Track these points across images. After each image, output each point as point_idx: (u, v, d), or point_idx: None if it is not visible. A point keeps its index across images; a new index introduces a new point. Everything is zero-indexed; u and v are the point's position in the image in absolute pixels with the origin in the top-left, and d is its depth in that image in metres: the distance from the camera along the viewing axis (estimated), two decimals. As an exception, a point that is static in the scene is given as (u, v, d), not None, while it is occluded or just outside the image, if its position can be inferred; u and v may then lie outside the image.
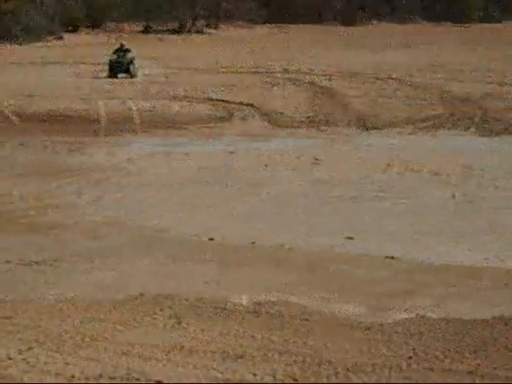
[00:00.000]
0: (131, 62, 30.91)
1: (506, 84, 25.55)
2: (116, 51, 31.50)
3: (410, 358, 7.23)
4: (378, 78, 27.39)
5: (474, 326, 8.10)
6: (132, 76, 30.35)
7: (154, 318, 8.14)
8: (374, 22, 50.28)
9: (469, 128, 20.17)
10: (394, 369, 6.98)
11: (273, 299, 8.79)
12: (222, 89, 25.08)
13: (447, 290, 9.25)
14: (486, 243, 10.95)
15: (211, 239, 11.12)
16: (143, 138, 19.34)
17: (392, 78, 27.35)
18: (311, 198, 13.47)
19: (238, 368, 6.96)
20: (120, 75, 30.59)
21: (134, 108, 22.04)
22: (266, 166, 15.91)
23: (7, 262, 10.11)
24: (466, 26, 48.84)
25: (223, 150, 17.43)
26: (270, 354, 7.26)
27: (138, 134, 19.78)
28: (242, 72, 28.79)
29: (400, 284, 9.46)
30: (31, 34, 38.91)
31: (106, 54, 32.69)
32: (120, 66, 30.81)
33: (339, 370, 6.94)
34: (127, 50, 31.15)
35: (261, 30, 45.99)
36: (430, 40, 40.63)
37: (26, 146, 17.95)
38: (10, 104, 22.15)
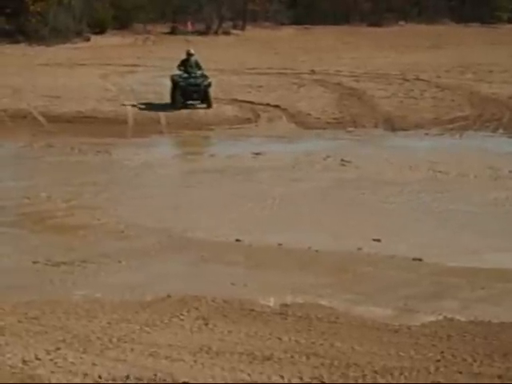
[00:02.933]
0: (209, 84, 22.22)
1: (534, 85, 25.35)
2: (183, 64, 22.42)
3: (438, 361, 7.19)
4: (406, 79, 27.24)
5: (503, 329, 8.04)
6: (209, 105, 22.08)
7: (181, 320, 8.15)
8: (402, 23, 50.03)
9: (497, 129, 20.01)
10: (422, 372, 6.94)
11: (300, 301, 8.77)
12: (249, 90, 25.06)
13: (475, 292, 9.19)
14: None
15: (238, 240, 11.11)
16: (169, 139, 19.36)
17: (419, 79, 27.19)
18: (338, 200, 13.42)
19: (265, 370, 6.95)
20: (192, 103, 22.22)
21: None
22: (292, 167, 15.87)
23: (35, 262, 10.16)
24: (494, 26, 48.51)
25: (249, 151, 17.41)
26: (296, 357, 7.24)
27: (164, 135, 19.81)
28: (268, 73, 28.75)
29: (427, 286, 9.41)
30: (58, 35, 39.08)
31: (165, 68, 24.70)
32: (196, 91, 22.10)
33: (367, 372, 6.91)
34: (198, 64, 22.58)
35: (287, 31, 45.94)
36: (458, 41, 40.40)
37: (53, 147, 18.02)
38: (37, 105, 22.26)
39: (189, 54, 22.77)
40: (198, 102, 22.26)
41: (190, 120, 21.08)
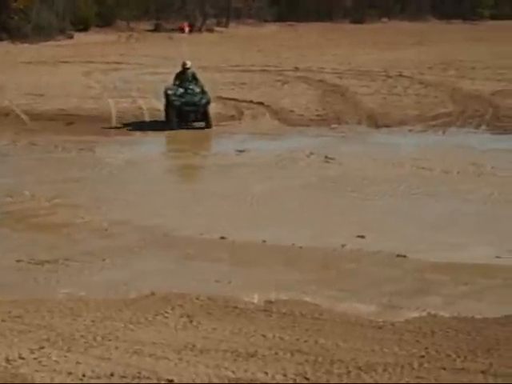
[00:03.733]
0: (208, 101, 19.83)
1: (517, 81, 25.47)
2: (179, 77, 20.01)
3: (422, 356, 7.21)
4: (389, 76, 27.31)
5: (486, 324, 8.07)
6: (208, 125, 19.65)
7: (166, 317, 8.14)
8: (384, 20, 50.16)
9: (480, 126, 20.09)
10: (406, 368, 6.96)
11: (284, 298, 8.78)
12: (232, 87, 25.07)
13: (459, 288, 9.22)
14: (498, 241, 10.90)
15: (222, 238, 11.11)
16: (153, 137, 19.33)
17: (402, 76, 27.28)
18: (322, 196, 13.44)
19: (250, 367, 6.95)
20: (189, 124, 19.73)
21: (145, 107, 22.04)
22: (276, 164, 15.88)
23: (18, 261, 10.13)
24: (476, 23, 48.71)
25: (232, 148, 17.41)
26: (281, 353, 7.25)
27: (148, 133, 19.77)
28: (252, 70, 28.77)
29: (411, 283, 9.44)
30: (41, 32, 38.96)
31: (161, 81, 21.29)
32: (194, 111, 19.54)
33: (351, 369, 6.92)
34: (195, 77, 20.17)
35: (271, 28, 45.95)
36: (441, 38, 40.52)
37: (36, 145, 17.96)
38: (20, 103, 22.19)
39: (184, 67, 20.12)
40: (199, 123, 19.68)
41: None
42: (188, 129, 19.47)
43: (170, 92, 19.66)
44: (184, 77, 19.95)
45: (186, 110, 19.41)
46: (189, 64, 20.25)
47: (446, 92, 24.03)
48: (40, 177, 14.77)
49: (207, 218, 12.20)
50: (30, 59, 31.87)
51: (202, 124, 19.65)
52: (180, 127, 19.39)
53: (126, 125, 20.04)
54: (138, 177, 15.02)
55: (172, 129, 19.31)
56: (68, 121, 20.66)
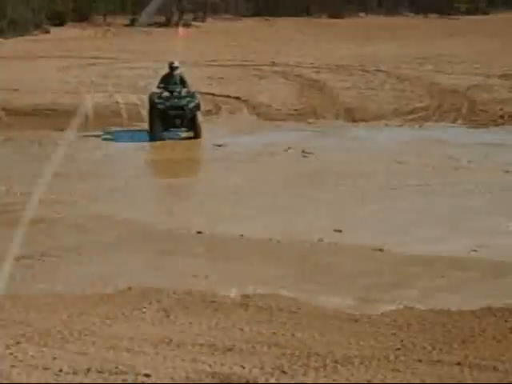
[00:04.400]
0: (198, 106, 17.83)
1: (492, 76, 25.58)
2: (165, 80, 18.10)
3: (398, 349, 7.25)
4: (366, 71, 27.36)
5: (461, 317, 8.13)
6: (197, 134, 17.61)
7: (143, 312, 8.14)
8: (362, 14, 50.25)
9: (456, 120, 20.18)
10: (382, 360, 7.00)
11: (261, 292, 8.80)
12: (210, 82, 25.02)
13: (435, 281, 9.27)
14: (474, 234, 10.97)
15: (199, 232, 11.10)
16: (130, 132, 19.25)
17: (379, 71, 27.33)
18: (299, 191, 13.46)
19: (227, 361, 6.97)
20: (175, 131, 17.87)
21: (122, 102, 21.96)
22: (253, 158, 15.88)
23: (-6, 256, 10.06)
24: (453, 18, 48.88)
25: (210, 142, 17.39)
26: (258, 347, 7.26)
27: (124, 128, 19.69)
28: (229, 65, 28.74)
29: (388, 276, 9.48)
30: (17, 27, 38.74)
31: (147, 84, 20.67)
32: (180, 116, 17.55)
33: (328, 362, 6.95)
34: (183, 80, 18.17)
35: (248, 23, 45.92)
36: (418, 32, 40.63)
37: (12, 140, 17.86)
38: (-4, 98, 22.05)
39: (172, 67, 18.15)
40: (183, 129, 17.72)
41: (150, 112, 20.92)
42: (173, 139, 17.66)
43: (154, 95, 17.89)
44: (171, 79, 18.00)
45: (171, 115, 17.40)
46: (176, 64, 18.16)
47: (423, 86, 24.12)
48: (16, 172, 14.68)
49: (184, 212, 12.19)
50: (6, 54, 31.66)
51: (190, 133, 17.65)
52: (163, 138, 17.55)
53: (105, 133, 18.49)
54: (114, 172, 14.97)
55: (154, 139, 17.43)
56: (44, 116, 20.55)
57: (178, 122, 17.54)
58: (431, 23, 46.41)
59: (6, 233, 11.18)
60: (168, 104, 17.57)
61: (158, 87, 17.99)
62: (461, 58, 29.99)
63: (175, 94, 17.75)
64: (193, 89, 18.19)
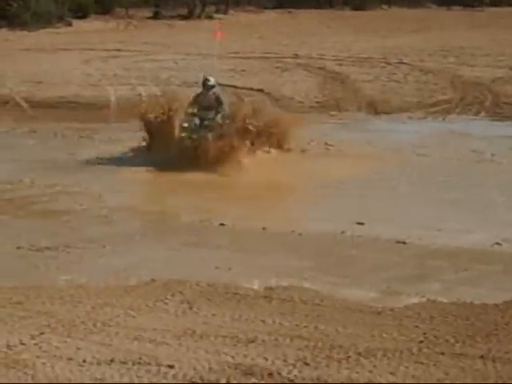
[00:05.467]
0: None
1: (517, 68, 25.43)
2: (197, 101, 14.54)
3: (421, 342, 7.25)
4: (389, 63, 27.25)
5: (485, 310, 8.11)
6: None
7: (166, 303, 8.17)
8: (385, 6, 50.01)
9: (479, 112, 20.08)
10: (405, 353, 7.00)
11: (284, 284, 8.81)
12: (232, 74, 25.01)
13: (458, 274, 9.25)
14: (498, 228, 10.92)
15: (222, 224, 11.12)
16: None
17: (402, 63, 27.21)
18: (320, 183, 13.44)
19: (249, 352, 6.99)
20: None
21: (144, 94, 22.00)
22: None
23: (19, 248, 10.14)
24: (476, 10, 48.57)
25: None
26: (280, 339, 7.28)
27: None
28: (251, 57, 28.71)
29: (411, 269, 9.46)
30: (40, 20, 38.83)
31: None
32: None
33: (350, 354, 6.96)
34: (219, 101, 14.45)
35: (270, 15, 45.83)
36: (441, 24, 40.40)
37: (36, 132, 17.95)
38: (20, 90, 22.15)
39: (206, 86, 14.48)
40: None
41: (173, 105, 20.98)
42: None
43: (183, 126, 14.23)
44: (203, 101, 14.39)
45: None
46: (212, 82, 14.56)
47: (446, 79, 24.00)
48: (40, 164, 14.75)
49: (205, 204, 12.21)
50: (29, 47, 31.79)
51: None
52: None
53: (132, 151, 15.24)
54: (137, 164, 14.97)
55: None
56: (68, 108, 20.65)
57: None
58: (455, 15, 46.14)
59: (31, 224, 11.28)
60: (195, 136, 13.95)
61: (188, 113, 14.36)
62: (484, 50, 29.81)
63: (206, 122, 14.16)
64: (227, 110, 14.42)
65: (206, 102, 14.36)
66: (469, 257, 9.80)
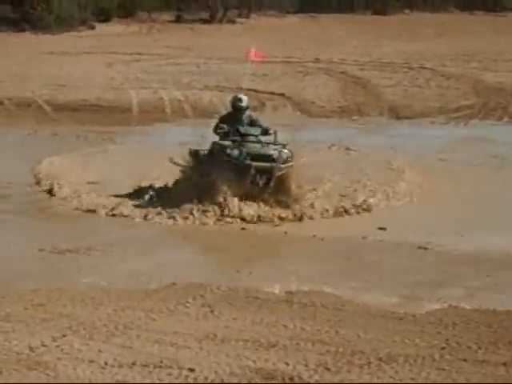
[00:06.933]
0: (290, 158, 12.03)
1: (540, 74, 25.29)
2: (227, 120, 12.43)
3: (443, 348, 7.20)
4: (411, 68, 27.20)
5: (507, 316, 8.05)
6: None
7: (187, 307, 8.17)
8: (407, 11, 49.90)
9: (502, 118, 20.00)
10: (427, 359, 6.95)
11: (305, 289, 8.79)
12: (254, 78, 25.00)
13: (481, 280, 9.19)
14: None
15: (243, 229, 11.11)
16: (174, 128, 19.37)
17: (424, 68, 27.16)
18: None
19: (271, 357, 6.97)
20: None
21: (166, 97, 22.08)
22: (302, 156, 15.84)
23: (40, 250, 10.19)
24: (499, 15, 48.36)
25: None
26: (302, 344, 7.26)
27: (169, 123, 19.81)
28: (273, 62, 28.72)
29: (433, 274, 9.42)
30: (63, 23, 39.08)
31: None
32: (268, 171, 11.71)
33: (372, 360, 6.92)
34: (256, 123, 12.42)
35: (292, 20, 45.84)
36: (464, 29, 40.28)
37: (58, 135, 18.03)
38: (42, 93, 22.28)
39: (237, 108, 12.45)
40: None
41: (194, 108, 21.09)
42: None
43: (218, 143, 12.24)
44: (236, 118, 12.39)
45: (258, 170, 11.67)
46: (245, 102, 12.50)
47: (469, 84, 23.91)
48: (62, 166, 14.80)
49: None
50: (52, 50, 31.98)
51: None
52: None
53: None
54: (160, 167, 14.97)
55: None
56: (90, 111, 20.74)
57: (261, 182, 11.71)
58: (477, 20, 45.98)
59: (52, 227, 11.33)
60: (252, 152, 11.83)
61: (217, 130, 12.33)
62: (507, 55, 29.68)
63: (251, 138, 12.10)
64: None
65: (239, 122, 12.32)
66: (491, 263, 9.74)
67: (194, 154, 12.65)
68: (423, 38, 36.57)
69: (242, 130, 12.19)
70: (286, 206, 11.64)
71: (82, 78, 24.75)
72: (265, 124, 12.45)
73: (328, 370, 6.74)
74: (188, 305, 8.22)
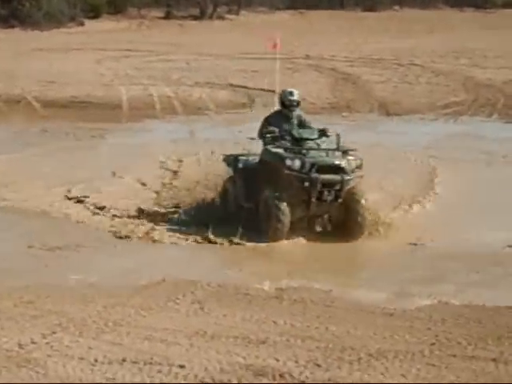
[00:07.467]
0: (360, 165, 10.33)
1: (529, 70, 25.35)
2: (274, 122, 10.73)
3: (433, 344, 7.21)
4: (400, 65, 27.22)
5: (497, 313, 8.07)
6: (361, 229, 10.19)
7: (177, 303, 8.17)
8: (396, 7, 49.90)
9: (492, 114, 20.04)
10: (417, 355, 6.96)
11: (295, 285, 8.79)
12: (244, 75, 25.02)
13: (470, 276, 9.22)
14: (507, 230, 10.89)
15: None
16: (164, 124, 19.33)
17: (414, 64, 27.18)
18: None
19: (261, 353, 6.97)
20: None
21: (155, 94, 22.04)
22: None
23: (30, 247, 10.16)
24: (488, 11, 48.40)
25: (244, 135, 17.37)
26: (292, 340, 7.26)
27: (158, 120, 19.78)
28: (263, 58, 28.68)
29: (423, 271, 9.43)
30: (52, 20, 38.91)
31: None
32: (337, 184, 10.03)
33: (361, 356, 6.93)
34: (307, 124, 10.82)
35: (282, 16, 45.79)
36: (453, 26, 40.31)
37: (48, 132, 17.98)
38: (32, 90, 22.21)
39: (288, 101, 10.81)
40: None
41: (184, 105, 21.05)
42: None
43: (269, 151, 10.43)
44: (286, 119, 10.75)
45: (324, 183, 10.00)
46: (296, 95, 10.88)
47: (458, 81, 23.95)
48: (51, 164, 14.75)
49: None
50: (42, 46, 31.85)
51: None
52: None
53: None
54: (149, 164, 14.93)
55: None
56: (80, 108, 20.68)
57: (329, 196, 10.07)
58: (466, 17, 46.02)
59: (42, 224, 11.30)
60: (315, 160, 10.08)
61: (263, 133, 10.63)
62: (497, 52, 29.72)
63: (308, 143, 10.34)
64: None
65: (290, 122, 10.68)
66: (480, 259, 9.77)
67: (233, 162, 10.91)
68: (413, 35, 36.58)
69: (296, 133, 10.38)
70: (358, 228, 10.04)
71: (72, 74, 24.67)
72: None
73: (318, 366, 6.74)
74: (178, 301, 8.22)
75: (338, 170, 10.04)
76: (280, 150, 10.27)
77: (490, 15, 47.00)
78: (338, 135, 10.35)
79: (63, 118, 19.35)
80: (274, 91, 22.45)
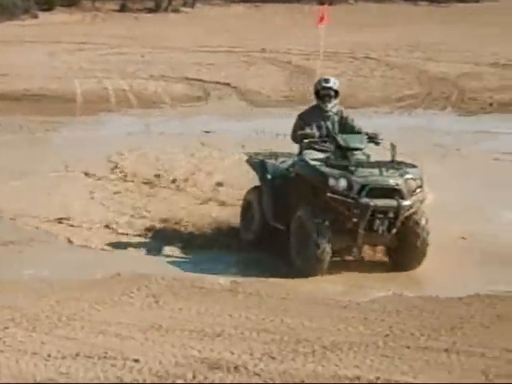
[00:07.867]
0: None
1: (482, 64, 25.59)
2: (311, 120, 9.26)
3: (387, 335, 7.28)
4: (355, 58, 27.32)
5: (450, 303, 8.16)
6: (419, 259, 8.73)
7: (131, 297, 8.14)
8: (351, 1, 50.12)
9: (445, 108, 20.22)
10: (371, 346, 7.02)
11: (250, 278, 8.80)
12: (199, 68, 24.94)
13: (423, 268, 9.29)
14: (461, 223, 10.98)
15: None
16: (119, 117, 19.20)
17: (369, 58, 27.29)
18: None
19: (216, 346, 6.97)
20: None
21: (110, 87, 21.88)
22: (242, 146, 15.85)
23: (-18, 241, 10.05)
24: (443, 5, 48.78)
25: (199, 129, 17.36)
26: (247, 333, 7.28)
27: (113, 113, 19.65)
28: (218, 51, 28.63)
29: (377, 262, 9.50)
30: (5, 12, 38.48)
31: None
32: (392, 212, 8.37)
33: (316, 348, 6.97)
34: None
35: (237, 9, 45.74)
36: (408, 19, 40.55)
37: (0, 125, 17.77)
38: (-16, 83, 21.94)
39: (323, 89, 9.44)
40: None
41: (139, 98, 20.93)
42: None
43: (305, 162, 8.88)
44: (325, 117, 9.35)
45: (378, 211, 8.51)
46: (333, 83, 9.49)
47: (412, 74, 24.12)
48: (3, 158, 14.60)
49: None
50: (-6, 39, 31.49)
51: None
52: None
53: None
54: (103, 158, 14.84)
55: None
56: (33, 101, 20.47)
57: (382, 227, 8.60)
58: (421, 10, 46.34)
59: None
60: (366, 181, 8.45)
61: (302, 137, 9.13)
62: (451, 45, 29.98)
63: (355, 156, 8.81)
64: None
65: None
66: (434, 250, 9.84)
67: (260, 167, 9.34)
68: (368, 28, 36.75)
69: (341, 140, 8.68)
70: (417, 255, 8.62)
71: (25, 67, 24.38)
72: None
73: (273, 358, 6.77)
74: (132, 295, 8.19)
75: (393, 192, 8.37)
76: (321, 167, 8.46)
77: (444, 9, 47.37)
78: (392, 145, 8.79)
79: (16, 111, 19.12)
80: (229, 84, 22.55)
